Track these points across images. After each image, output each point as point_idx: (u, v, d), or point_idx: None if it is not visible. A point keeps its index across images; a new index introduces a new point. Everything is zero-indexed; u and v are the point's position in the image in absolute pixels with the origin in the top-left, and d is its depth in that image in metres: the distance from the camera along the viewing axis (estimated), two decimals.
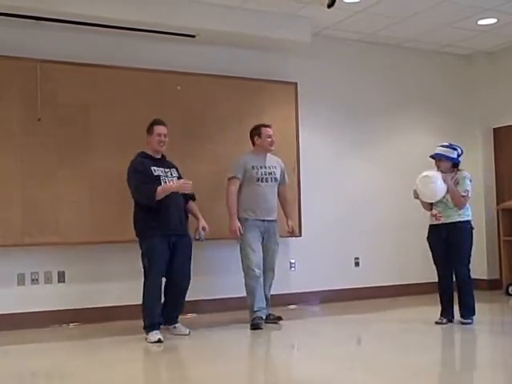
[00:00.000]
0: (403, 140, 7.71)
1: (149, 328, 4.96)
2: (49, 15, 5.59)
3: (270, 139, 5.67)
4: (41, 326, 5.62)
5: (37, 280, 5.79)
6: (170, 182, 5.10)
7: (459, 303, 5.45)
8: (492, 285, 7.68)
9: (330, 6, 6.01)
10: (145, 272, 5.04)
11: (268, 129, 5.70)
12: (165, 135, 5.22)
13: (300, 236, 6.62)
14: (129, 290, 5.97)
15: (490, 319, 6.16)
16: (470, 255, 5.49)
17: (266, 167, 5.65)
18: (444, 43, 7.61)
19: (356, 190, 7.25)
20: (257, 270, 5.40)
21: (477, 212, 7.86)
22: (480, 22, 6.88)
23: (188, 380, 4.04)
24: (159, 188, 4.97)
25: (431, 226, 5.60)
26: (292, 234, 5.98)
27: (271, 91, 6.67)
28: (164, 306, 5.13)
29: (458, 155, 5.59)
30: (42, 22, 5.65)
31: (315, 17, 6.52)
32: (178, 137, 5.85)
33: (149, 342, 4.85)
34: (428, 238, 5.64)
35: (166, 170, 5.20)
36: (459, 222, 5.43)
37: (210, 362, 4.30)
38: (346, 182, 7.22)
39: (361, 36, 7.27)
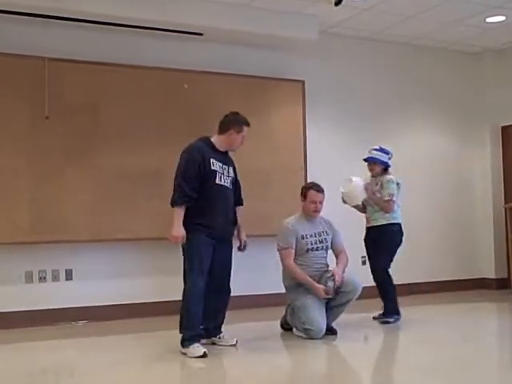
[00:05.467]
0: (411, 138, 7.68)
1: (189, 341, 4.31)
2: (57, 13, 5.60)
3: (314, 205, 5.02)
4: (48, 323, 5.64)
5: (44, 278, 5.81)
6: (225, 179, 4.53)
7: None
8: (500, 284, 7.65)
9: (337, 4, 6.00)
10: (185, 274, 4.45)
11: (314, 192, 5.02)
12: None
13: None
14: (137, 288, 6.01)
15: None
16: (390, 259, 5.51)
17: (315, 234, 5.06)
18: (452, 41, 7.58)
19: None
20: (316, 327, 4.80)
21: (485, 211, 7.88)
22: (488, 20, 6.84)
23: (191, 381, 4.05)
24: (175, 217, 4.35)
25: (366, 228, 5.70)
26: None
27: (278, 89, 6.66)
28: (203, 317, 4.47)
29: (389, 159, 5.62)
30: (50, 20, 5.67)
31: (323, 15, 6.51)
32: (185, 135, 5.81)
33: (191, 357, 4.23)
34: (364, 238, 5.72)
35: (225, 166, 4.59)
36: (384, 224, 5.46)
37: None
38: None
39: (368, 34, 7.25)
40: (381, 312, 5.55)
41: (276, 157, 6.61)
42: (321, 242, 5.04)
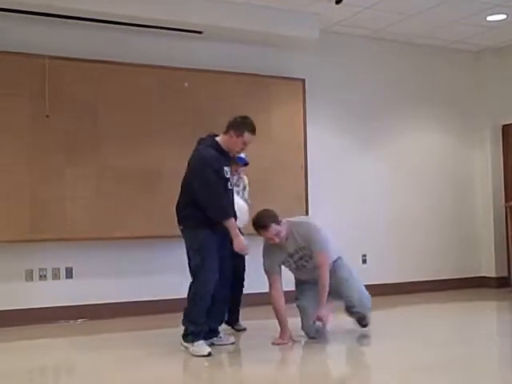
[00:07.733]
0: (412, 137, 7.68)
1: (193, 336, 4.26)
2: (57, 12, 5.60)
3: (272, 241, 4.56)
4: (48, 321, 5.64)
5: (45, 276, 5.81)
6: (231, 182, 4.51)
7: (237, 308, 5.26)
8: (500, 283, 7.65)
9: (338, 2, 6.00)
10: (194, 271, 4.34)
11: (263, 232, 4.54)
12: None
13: None
14: (137, 286, 6.01)
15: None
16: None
17: (290, 256, 4.70)
18: (453, 39, 7.57)
19: (364, 188, 7.22)
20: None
21: (485, 209, 7.88)
22: (489, 18, 6.83)
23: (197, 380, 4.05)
24: (234, 227, 4.31)
25: None
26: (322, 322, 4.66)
27: (279, 88, 6.65)
28: (209, 318, 4.44)
29: None
30: (51, 18, 5.67)
31: (323, 13, 6.50)
32: (185, 133, 5.84)
33: (194, 355, 4.20)
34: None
35: (229, 168, 4.51)
36: None
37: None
38: (354, 179, 7.19)
39: (369, 32, 7.24)
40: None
41: (276, 155, 6.60)
42: (301, 258, 4.70)
